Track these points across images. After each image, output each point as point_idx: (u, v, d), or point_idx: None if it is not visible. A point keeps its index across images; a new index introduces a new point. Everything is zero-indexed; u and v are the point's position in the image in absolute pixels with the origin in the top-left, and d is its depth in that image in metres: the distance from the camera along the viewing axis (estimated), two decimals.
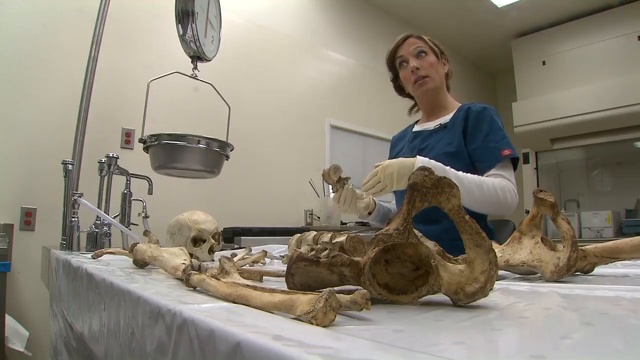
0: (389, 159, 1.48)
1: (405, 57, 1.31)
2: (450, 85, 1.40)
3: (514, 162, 1.20)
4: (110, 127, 2.11)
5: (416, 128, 1.42)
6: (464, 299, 0.39)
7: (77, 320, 0.79)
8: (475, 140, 1.21)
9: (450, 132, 1.26)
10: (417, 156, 1.09)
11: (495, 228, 1.34)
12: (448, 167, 1.08)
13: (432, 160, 1.07)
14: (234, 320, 0.32)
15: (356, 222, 2.81)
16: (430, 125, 1.35)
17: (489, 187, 1.10)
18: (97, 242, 1.34)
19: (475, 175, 1.12)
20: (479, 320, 0.34)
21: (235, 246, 1.96)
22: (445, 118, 1.31)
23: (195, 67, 1.46)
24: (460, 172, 1.10)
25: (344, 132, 3.24)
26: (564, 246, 0.56)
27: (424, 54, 1.29)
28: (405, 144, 1.41)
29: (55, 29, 1.98)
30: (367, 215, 1.28)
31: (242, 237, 2.05)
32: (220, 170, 1.41)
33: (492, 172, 1.17)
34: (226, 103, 1.51)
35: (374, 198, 1.27)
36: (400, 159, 1.08)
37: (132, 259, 0.79)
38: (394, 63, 1.36)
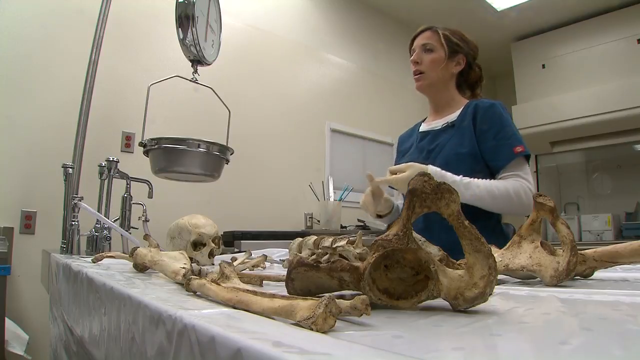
0: (395, 157, 1.54)
1: (415, 49, 1.35)
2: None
3: (527, 158, 1.20)
4: (110, 131, 2.11)
5: (423, 127, 1.41)
6: (463, 304, 0.39)
7: (77, 324, 0.79)
8: (486, 140, 1.21)
9: (459, 131, 1.26)
10: (430, 165, 1.14)
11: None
12: (458, 177, 1.13)
13: (443, 171, 1.13)
14: (235, 326, 0.32)
15: (356, 226, 2.82)
16: (438, 124, 1.34)
17: (500, 191, 1.12)
18: (97, 245, 1.34)
19: (487, 181, 1.15)
20: (479, 326, 0.34)
21: (235, 250, 1.96)
22: (452, 116, 1.31)
23: (196, 71, 1.46)
24: (471, 179, 1.13)
25: (344, 136, 3.24)
26: (563, 250, 0.56)
27: (430, 50, 1.31)
28: (413, 143, 1.40)
29: (55, 31, 1.98)
30: (381, 217, 1.33)
31: (242, 241, 2.05)
32: (221, 174, 1.41)
33: (506, 172, 1.17)
34: (226, 107, 1.51)
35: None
36: (418, 165, 1.14)
37: (132, 263, 0.79)
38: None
